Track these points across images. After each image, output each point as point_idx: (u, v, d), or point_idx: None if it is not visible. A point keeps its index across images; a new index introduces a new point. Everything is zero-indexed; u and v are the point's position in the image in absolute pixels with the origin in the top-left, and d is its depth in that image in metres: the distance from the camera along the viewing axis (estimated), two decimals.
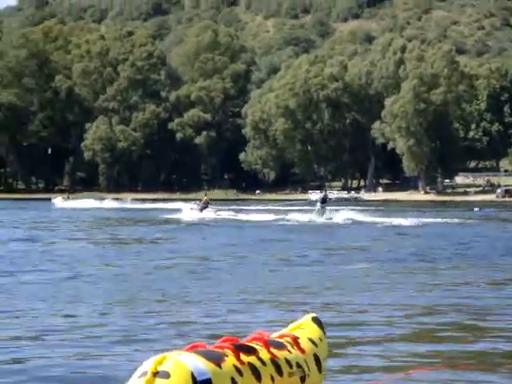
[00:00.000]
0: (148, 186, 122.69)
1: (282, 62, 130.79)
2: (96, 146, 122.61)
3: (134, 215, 53.54)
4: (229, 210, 53.90)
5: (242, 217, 48.09)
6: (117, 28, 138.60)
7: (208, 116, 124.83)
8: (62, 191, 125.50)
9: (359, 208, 54.67)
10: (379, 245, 27.26)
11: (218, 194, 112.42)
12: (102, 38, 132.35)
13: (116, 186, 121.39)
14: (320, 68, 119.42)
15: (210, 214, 50.78)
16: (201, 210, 51.50)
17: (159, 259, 21.37)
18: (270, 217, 46.56)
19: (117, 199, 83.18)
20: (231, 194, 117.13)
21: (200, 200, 53.90)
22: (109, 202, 76.90)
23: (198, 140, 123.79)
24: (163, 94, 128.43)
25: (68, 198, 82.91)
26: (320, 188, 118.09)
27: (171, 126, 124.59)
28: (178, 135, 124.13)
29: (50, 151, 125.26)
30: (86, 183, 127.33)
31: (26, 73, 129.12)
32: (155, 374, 3.39)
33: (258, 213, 50.49)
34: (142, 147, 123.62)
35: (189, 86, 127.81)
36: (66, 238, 30.92)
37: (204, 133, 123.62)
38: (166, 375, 3.33)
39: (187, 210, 51.52)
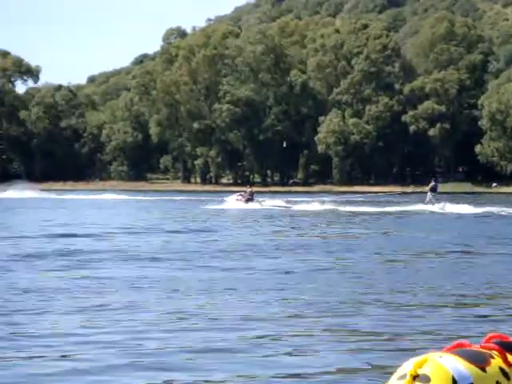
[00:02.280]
0: (380, 179, 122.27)
1: None
2: (329, 139, 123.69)
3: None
4: (275, 200, 53.94)
5: (293, 207, 49.38)
6: (352, 21, 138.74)
7: (442, 108, 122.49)
8: (296, 184, 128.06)
9: None
10: None
11: (452, 186, 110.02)
12: (337, 31, 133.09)
13: (349, 179, 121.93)
14: None
15: (256, 205, 51.34)
16: (246, 201, 52.06)
17: (410, 251, 21.16)
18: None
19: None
20: (466, 186, 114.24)
21: (245, 192, 54.05)
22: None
23: (432, 132, 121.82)
24: (397, 86, 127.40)
25: None
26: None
27: (404, 118, 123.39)
28: (412, 128, 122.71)
29: (284, 145, 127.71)
30: (320, 176, 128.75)
31: (262, 68, 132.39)
32: (415, 377, 3.31)
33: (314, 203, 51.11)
34: (375, 140, 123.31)
35: (423, 77, 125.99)
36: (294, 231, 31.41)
37: (438, 125, 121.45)
38: (426, 379, 3.23)
39: (232, 201, 52.18)
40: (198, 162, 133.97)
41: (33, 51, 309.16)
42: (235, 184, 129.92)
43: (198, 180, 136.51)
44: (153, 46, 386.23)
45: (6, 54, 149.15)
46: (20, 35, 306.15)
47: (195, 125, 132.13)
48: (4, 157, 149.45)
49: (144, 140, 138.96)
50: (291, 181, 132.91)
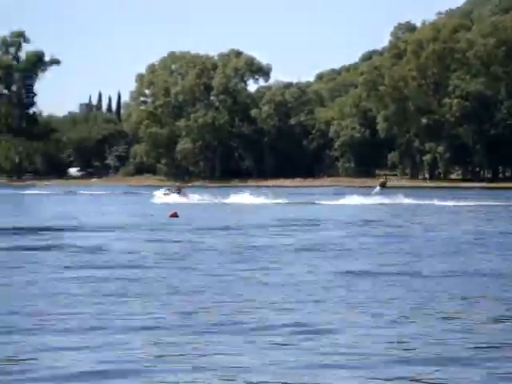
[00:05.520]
0: None
1: None
2: None
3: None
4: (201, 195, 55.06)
5: (220, 200, 52.52)
6: None
7: None
8: None
9: None
10: None
11: None
12: None
13: None
14: None
15: (182, 199, 53.07)
16: (174, 195, 53.96)
17: None
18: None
19: None
20: None
21: (172, 186, 56.91)
22: None
23: None
24: None
25: None
26: None
27: None
28: None
29: None
30: None
31: (494, 61, 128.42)
32: None
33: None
34: None
35: None
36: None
37: None
38: None
39: (160, 196, 54.00)
40: (427, 157, 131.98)
41: (264, 50, 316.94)
42: (464, 180, 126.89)
43: (427, 176, 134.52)
44: (380, 41, 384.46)
45: (238, 53, 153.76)
46: (251, 33, 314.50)
47: (423, 120, 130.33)
48: (236, 154, 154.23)
49: (371, 136, 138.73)
50: None
